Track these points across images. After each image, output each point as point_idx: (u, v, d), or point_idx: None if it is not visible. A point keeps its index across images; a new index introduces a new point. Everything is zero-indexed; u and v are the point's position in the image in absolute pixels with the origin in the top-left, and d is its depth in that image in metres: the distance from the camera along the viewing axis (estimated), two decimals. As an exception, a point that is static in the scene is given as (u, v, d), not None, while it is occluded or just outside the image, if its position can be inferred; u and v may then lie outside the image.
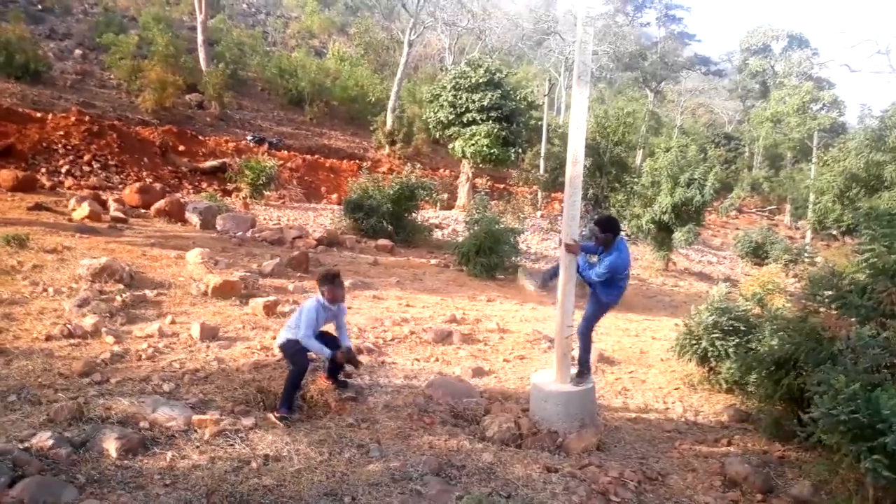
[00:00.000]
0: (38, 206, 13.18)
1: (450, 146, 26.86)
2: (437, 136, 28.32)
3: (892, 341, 5.13)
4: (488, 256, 15.58)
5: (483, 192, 17.67)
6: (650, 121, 43.98)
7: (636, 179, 18.53)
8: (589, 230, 6.51)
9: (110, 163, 20.48)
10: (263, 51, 38.28)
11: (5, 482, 4.00)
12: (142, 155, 21.86)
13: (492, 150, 24.83)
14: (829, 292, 6.07)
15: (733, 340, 7.92)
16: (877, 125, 20.65)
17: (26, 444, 4.43)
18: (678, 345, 8.56)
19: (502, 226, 16.35)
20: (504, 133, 25.18)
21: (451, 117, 25.79)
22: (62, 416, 4.94)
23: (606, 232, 6.31)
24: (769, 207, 44.78)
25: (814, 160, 32.93)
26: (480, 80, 25.32)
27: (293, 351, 5.94)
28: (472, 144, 24.99)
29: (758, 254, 26.42)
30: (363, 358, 7.78)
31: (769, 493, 5.78)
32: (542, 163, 29.63)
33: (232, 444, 4.93)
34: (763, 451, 6.68)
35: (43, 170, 18.14)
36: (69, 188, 16.96)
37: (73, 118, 21.19)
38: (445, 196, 23.75)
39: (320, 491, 4.41)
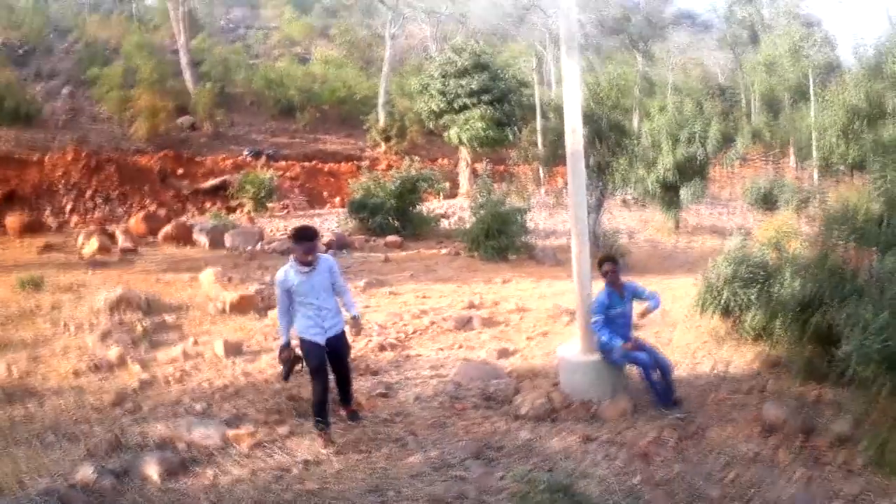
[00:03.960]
0: (48, 247, 13.30)
1: (445, 135, 26.75)
2: (431, 126, 28.21)
3: (917, 267, 5.06)
4: (498, 239, 15.54)
5: (485, 175, 17.59)
6: (642, 82, 43.58)
7: (636, 142, 18.39)
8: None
9: (112, 195, 20.60)
10: (248, 64, 38.21)
11: (54, 519, 4.04)
12: (142, 183, 21.96)
13: (487, 133, 24.72)
14: (846, 227, 6.00)
15: (755, 288, 7.85)
16: (873, 54, 20.37)
17: (71, 481, 4.47)
18: (699, 300, 8.49)
19: (508, 206, 16.29)
20: (497, 114, 25.04)
21: (442, 105, 25.67)
22: (101, 449, 4.98)
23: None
24: (773, 153, 44.31)
25: (812, 99, 32.51)
26: (467, 65, 25.17)
27: (303, 351, 5.34)
28: (468, 129, 24.88)
29: (767, 201, 26.17)
30: (387, 354, 7.80)
31: (810, 433, 5.74)
32: (539, 139, 29.48)
33: (271, 455, 4.95)
34: (798, 393, 6.63)
35: (47, 211, 18.30)
36: (75, 225, 17.10)
37: (69, 156, 21.32)
38: (447, 185, 23.71)
39: (363, 489, 4.43)
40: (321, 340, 5.20)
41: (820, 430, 5.85)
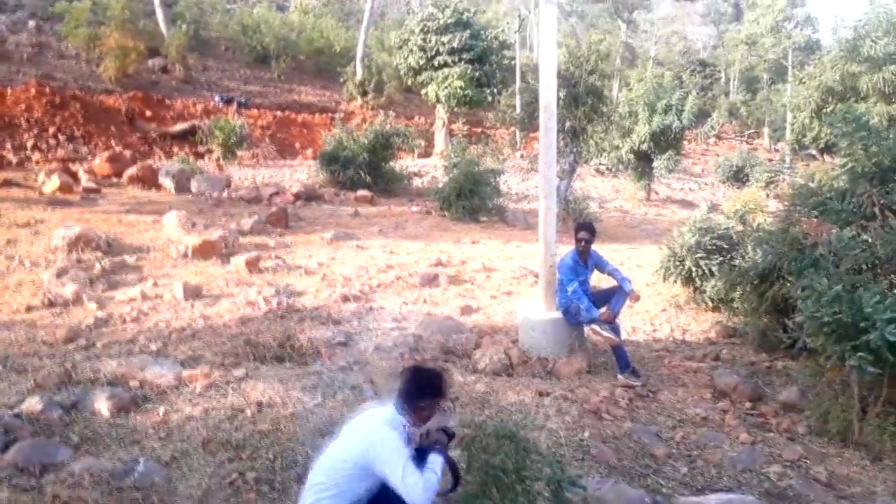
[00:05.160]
0: (7, 183, 12.88)
1: (423, 92, 26.38)
2: (410, 82, 27.76)
3: (873, 242, 5.15)
4: (470, 199, 15.47)
5: (460, 135, 17.43)
6: (624, 52, 43.39)
7: (614, 109, 18.36)
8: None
9: (76, 134, 19.96)
10: (224, 8, 37.03)
11: (-2, 448, 3.98)
12: (108, 124, 21.31)
13: (466, 92, 24.43)
14: (810, 201, 6.08)
15: (717, 259, 7.98)
16: (851, 35, 20.45)
17: (16, 411, 4.40)
18: (663, 267, 8.62)
19: (482, 167, 16.21)
20: (477, 74, 24.75)
21: (422, 62, 25.25)
22: (50, 382, 4.90)
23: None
24: (748, 132, 44.72)
25: (790, 79, 32.73)
26: (449, 21, 24.71)
27: None
28: (446, 87, 24.54)
29: (738, 178, 26.49)
30: (350, 305, 7.76)
31: (758, 400, 5.92)
32: (517, 103, 29.29)
33: (224, 396, 4.92)
34: (751, 362, 6.81)
35: (8, 146, 17.67)
36: (37, 162, 16.55)
37: (33, 91, 20.54)
38: (422, 143, 23.49)
39: (316, 431, 4.43)
40: None
41: (768, 399, 6.03)
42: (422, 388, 2.94)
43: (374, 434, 2.88)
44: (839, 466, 4.67)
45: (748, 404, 5.82)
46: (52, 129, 19.46)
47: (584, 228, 6.29)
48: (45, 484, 3.69)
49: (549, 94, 6.00)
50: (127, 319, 6.61)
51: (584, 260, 6.29)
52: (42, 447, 4.00)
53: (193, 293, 7.45)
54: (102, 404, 4.57)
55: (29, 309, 6.68)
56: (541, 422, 4.65)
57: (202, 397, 4.85)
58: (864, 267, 5.20)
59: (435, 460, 3.01)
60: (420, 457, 3.02)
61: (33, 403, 4.45)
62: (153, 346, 5.89)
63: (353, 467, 2.88)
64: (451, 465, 3.14)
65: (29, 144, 18.26)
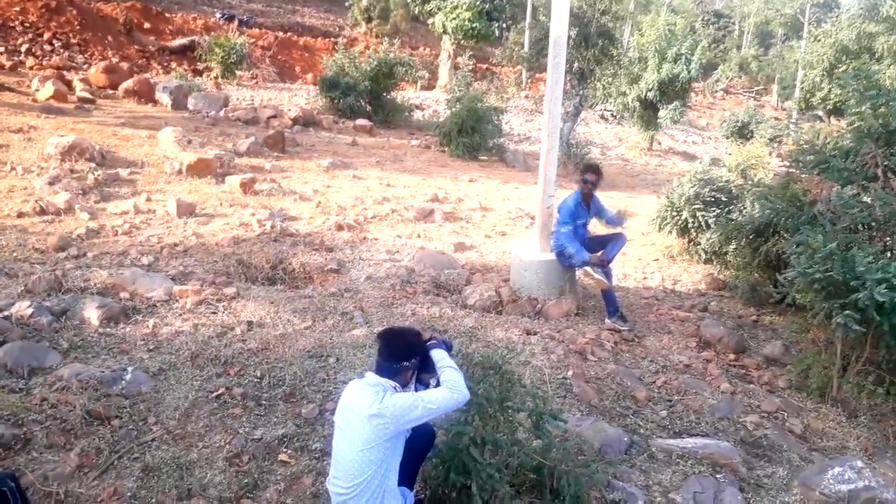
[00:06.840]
0: (0, 87, 12.61)
1: (430, 21, 25.67)
2: (417, 11, 26.97)
3: (873, 203, 5.12)
4: (470, 136, 15.24)
5: (465, 69, 17.01)
6: (639, -4, 42.08)
7: (623, 53, 17.93)
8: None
9: (72, 41, 19.42)
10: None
11: (-13, 348, 4.00)
12: (105, 33, 20.72)
13: (474, 25, 23.78)
14: (812, 157, 6.00)
15: (714, 211, 7.95)
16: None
17: (6, 313, 4.41)
18: (659, 217, 8.59)
19: (485, 104, 15.90)
20: (487, 7, 24.04)
21: (430, -11, 24.51)
22: (40, 287, 4.90)
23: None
24: (756, 88, 44.01)
25: (805, 35, 31.97)
26: (461, -51, 23.86)
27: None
28: (454, 18, 23.87)
29: (743, 133, 26.16)
30: (344, 234, 7.73)
31: (742, 352, 5.99)
32: (526, 41, 28.54)
33: (214, 313, 4.94)
34: (738, 315, 6.87)
35: (1, 49, 17.19)
36: (31, 68, 16.17)
37: (27, -7, 19.87)
38: (426, 75, 23.00)
39: (305, 353, 4.47)
40: None
41: (751, 352, 6.11)
42: (402, 349, 2.84)
43: (378, 406, 2.65)
44: (815, 421, 4.77)
45: (732, 356, 5.90)
46: (47, 35, 18.93)
47: (591, 170, 6.19)
48: (32, 386, 3.74)
49: (559, 28, 5.82)
50: (119, 232, 6.57)
51: (587, 203, 6.24)
52: (31, 350, 4.02)
53: (187, 210, 7.40)
54: (92, 313, 4.58)
55: (20, 215, 6.62)
56: (526, 358, 4.70)
57: (192, 313, 4.87)
58: (860, 227, 5.18)
59: (439, 356, 2.92)
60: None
61: (23, 307, 4.46)
62: (145, 260, 5.88)
63: (384, 443, 2.67)
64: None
65: (23, 49, 17.77)
